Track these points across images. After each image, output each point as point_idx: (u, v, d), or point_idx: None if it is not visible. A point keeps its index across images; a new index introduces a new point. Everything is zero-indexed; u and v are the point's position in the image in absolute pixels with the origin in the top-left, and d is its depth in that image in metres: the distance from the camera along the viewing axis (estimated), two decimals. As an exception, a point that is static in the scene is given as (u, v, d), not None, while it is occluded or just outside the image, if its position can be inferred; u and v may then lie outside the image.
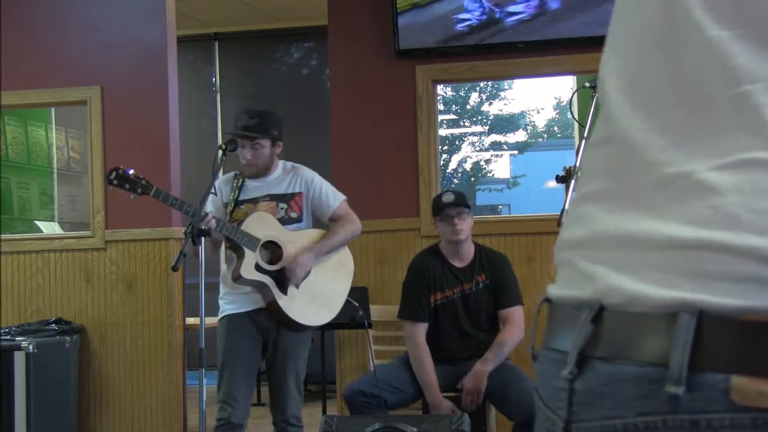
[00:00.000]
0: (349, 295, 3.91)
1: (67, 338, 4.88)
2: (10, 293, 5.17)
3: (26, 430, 4.56)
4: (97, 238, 5.10)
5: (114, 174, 3.57)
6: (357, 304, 4.01)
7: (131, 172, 3.58)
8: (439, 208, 4.15)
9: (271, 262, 3.69)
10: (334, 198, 3.88)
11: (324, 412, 4.92)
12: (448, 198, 4.14)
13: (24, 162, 6.98)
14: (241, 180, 3.81)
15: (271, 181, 3.83)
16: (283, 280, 3.67)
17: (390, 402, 4.00)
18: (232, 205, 3.76)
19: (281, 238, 3.71)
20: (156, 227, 4.94)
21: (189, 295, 5.05)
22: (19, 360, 4.58)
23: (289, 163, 3.93)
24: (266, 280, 3.65)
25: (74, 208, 7.33)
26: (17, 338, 4.66)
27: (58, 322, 4.96)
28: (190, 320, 5.31)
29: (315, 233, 3.84)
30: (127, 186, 3.56)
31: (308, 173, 3.89)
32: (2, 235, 5.31)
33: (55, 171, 7.39)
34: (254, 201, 3.78)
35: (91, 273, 5.11)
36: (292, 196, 3.82)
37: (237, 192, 3.78)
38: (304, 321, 3.71)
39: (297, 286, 3.71)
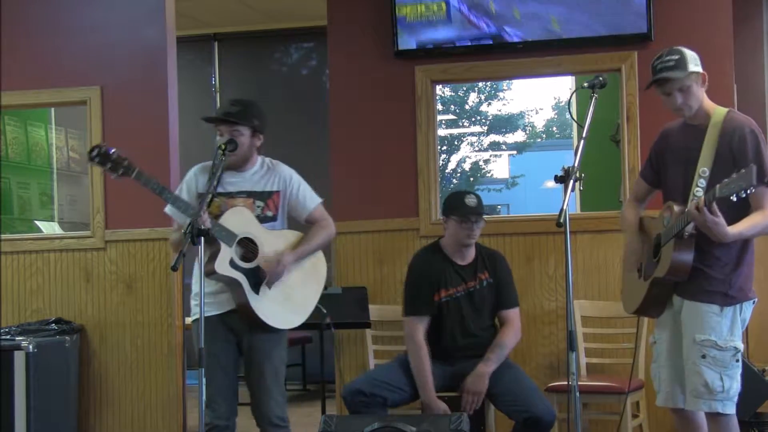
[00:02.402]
0: (348, 294, 3.89)
1: (67, 338, 4.89)
2: (10, 293, 5.18)
3: (26, 429, 4.57)
4: (96, 238, 5.11)
5: (96, 151, 3.51)
6: (325, 311, 3.98)
7: (113, 151, 3.51)
8: (459, 209, 4.09)
9: (245, 259, 3.64)
10: (311, 200, 3.83)
11: (323, 411, 4.93)
12: (472, 202, 4.09)
13: (24, 162, 6.99)
14: (219, 171, 3.67)
15: (248, 177, 3.77)
16: (256, 278, 3.62)
17: (389, 400, 3.99)
18: (210, 197, 3.62)
19: (258, 236, 3.66)
20: (156, 227, 4.94)
21: (188, 295, 5.06)
22: (19, 360, 4.59)
23: (268, 159, 3.86)
24: (239, 277, 3.59)
25: (74, 208, 7.34)
26: (17, 338, 4.67)
27: (57, 321, 4.97)
28: (190, 320, 5.31)
29: (291, 234, 3.79)
30: (109, 165, 3.49)
31: (286, 171, 3.82)
32: (2, 235, 5.32)
33: (55, 171, 7.39)
34: (230, 196, 3.71)
35: (90, 273, 5.12)
36: (270, 194, 3.76)
37: (215, 183, 3.67)
38: (273, 323, 3.65)
39: (269, 287, 3.66)
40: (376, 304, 4.78)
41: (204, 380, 3.28)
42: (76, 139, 7.46)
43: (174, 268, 3.34)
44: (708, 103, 3.31)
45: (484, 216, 4.13)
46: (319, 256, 3.87)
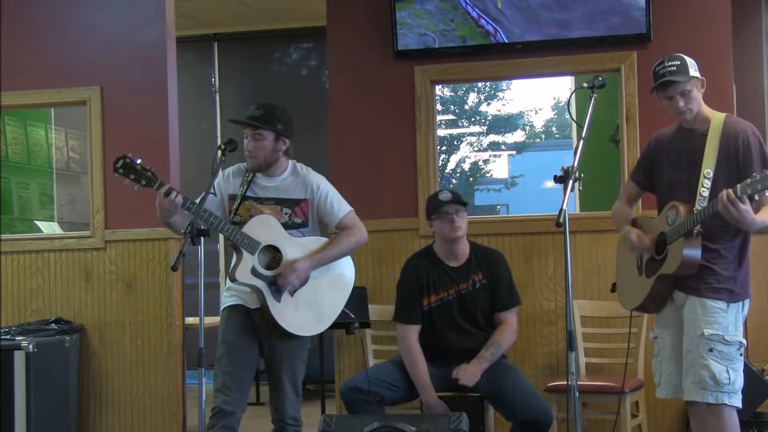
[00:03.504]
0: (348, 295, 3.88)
1: (67, 338, 4.89)
2: (10, 293, 5.18)
3: (26, 429, 4.58)
4: (96, 238, 5.12)
5: (121, 162, 3.50)
6: (353, 316, 3.98)
7: (138, 161, 3.50)
8: (436, 207, 4.14)
9: (269, 267, 3.65)
10: (339, 209, 3.83)
11: (323, 411, 4.94)
12: (446, 196, 4.14)
13: (24, 162, 7.00)
14: (251, 175, 3.76)
15: (279, 184, 3.78)
16: (278, 286, 3.65)
17: (386, 398, 4.00)
18: (239, 200, 3.72)
19: (283, 244, 3.68)
20: (156, 227, 4.94)
21: (188, 295, 5.07)
22: (19, 360, 4.60)
23: (299, 165, 3.87)
24: (260, 285, 3.61)
25: (74, 208, 7.34)
26: (17, 338, 4.67)
27: (57, 321, 4.98)
28: (190, 320, 5.32)
29: (318, 241, 3.80)
30: (132, 176, 3.50)
31: (315, 179, 3.83)
32: (2, 235, 5.32)
33: (55, 171, 7.40)
34: (259, 200, 3.74)
35: (90, 273, 5.12)
36: (297, 201, 3.77)
37: (246, 186, 3.74)
38: (294, 330, 3.67)
39: (291, 294, 3.68)
40: (375, 304, 4.79)
41: (204, 380, 3.29)
42: (76, 139, 7.47)
43: (174, 268, 3.34)
44: (705, 108, 3.44)
45: (463, 206, 4.14)
46: (347, 262, 3.88)
